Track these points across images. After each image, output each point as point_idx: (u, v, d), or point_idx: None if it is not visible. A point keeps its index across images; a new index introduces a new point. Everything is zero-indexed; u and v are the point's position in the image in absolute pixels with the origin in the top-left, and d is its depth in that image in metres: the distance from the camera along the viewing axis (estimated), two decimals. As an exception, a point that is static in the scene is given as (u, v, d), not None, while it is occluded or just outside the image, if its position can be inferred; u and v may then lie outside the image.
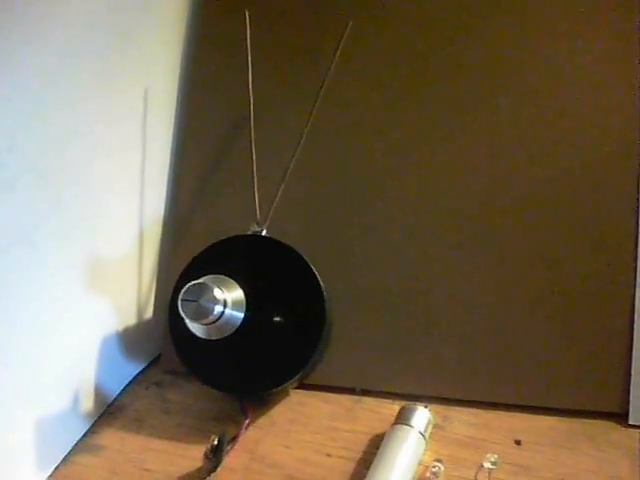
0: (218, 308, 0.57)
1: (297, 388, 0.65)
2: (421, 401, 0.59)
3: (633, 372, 0.59)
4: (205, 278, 0.58)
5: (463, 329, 0.63)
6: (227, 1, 0.75)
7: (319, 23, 0.72)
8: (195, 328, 0.59)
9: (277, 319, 0.61)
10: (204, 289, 0.56)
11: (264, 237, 0.64)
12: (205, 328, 0.58)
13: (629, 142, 0.61)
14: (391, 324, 0.65)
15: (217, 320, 0.57)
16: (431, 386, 0.62)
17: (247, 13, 0.67)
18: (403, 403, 0.59)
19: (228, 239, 0.64)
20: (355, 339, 0.65)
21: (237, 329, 0.60)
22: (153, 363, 0.72)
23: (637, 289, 0.60)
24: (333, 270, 0.65)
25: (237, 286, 0.60)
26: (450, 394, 0.62)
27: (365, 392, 0.64)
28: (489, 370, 0.62)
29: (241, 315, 0.60)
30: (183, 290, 0.57)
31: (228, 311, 0.58)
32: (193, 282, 0.57)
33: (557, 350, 0.61)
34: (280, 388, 0.62)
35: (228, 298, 0.58)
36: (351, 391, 0.64)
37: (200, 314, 0.56)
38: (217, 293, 0.56)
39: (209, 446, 0.58)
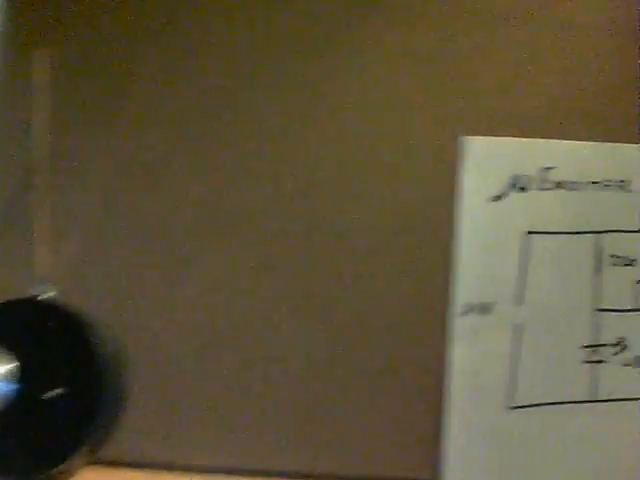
0: (-33, 387, 0.50)
1: (88, 464, 0.58)
2: (220, 472, 0.54)
3: (444, 439, 0.56)
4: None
5: (260, 400, 0.61)
6: (27, 43, 0.69)
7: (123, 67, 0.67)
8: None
9: (53, 393, 0.55)
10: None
11: (45, 301, 0.58)
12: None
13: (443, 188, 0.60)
14: (189, 395, 0.61)
15: (-29, 400, 0.50)
16: (229, 457, 0.58)
17: (44, 56, 0.62)
18: (203, 476, 0.54)
19: (3, 303, 0.57)
20: (149, 411, 0.61)
21: (8, 405, 0.53)
22: None
23: (448, 351, 0.57)
24: (128, 336, 0.60)
25: (10, 356, 0.54)
26: (248, 465, 0.58)
27: (162, 466, 0.59)
28: (294, 440, 0.59)
29: (11, 389, 0.53)
30: None
31: (-10, 387, 0.51)
32: None
33: (365, 418, 0.59)
34: (56, 471, 0.55)
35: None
36: (146, 466, 0.59)
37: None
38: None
39: None
